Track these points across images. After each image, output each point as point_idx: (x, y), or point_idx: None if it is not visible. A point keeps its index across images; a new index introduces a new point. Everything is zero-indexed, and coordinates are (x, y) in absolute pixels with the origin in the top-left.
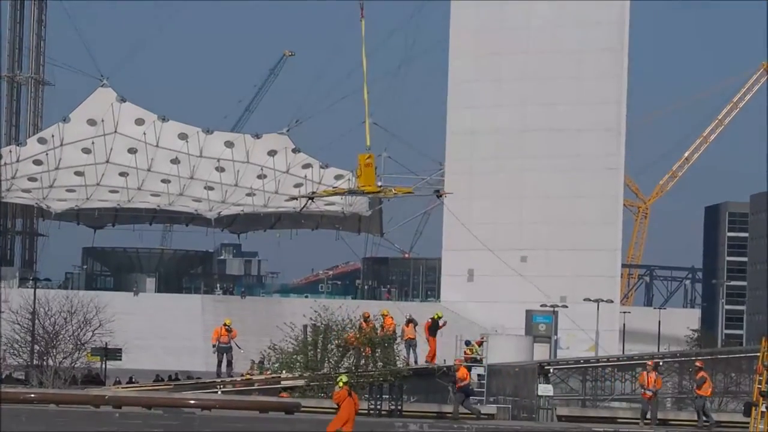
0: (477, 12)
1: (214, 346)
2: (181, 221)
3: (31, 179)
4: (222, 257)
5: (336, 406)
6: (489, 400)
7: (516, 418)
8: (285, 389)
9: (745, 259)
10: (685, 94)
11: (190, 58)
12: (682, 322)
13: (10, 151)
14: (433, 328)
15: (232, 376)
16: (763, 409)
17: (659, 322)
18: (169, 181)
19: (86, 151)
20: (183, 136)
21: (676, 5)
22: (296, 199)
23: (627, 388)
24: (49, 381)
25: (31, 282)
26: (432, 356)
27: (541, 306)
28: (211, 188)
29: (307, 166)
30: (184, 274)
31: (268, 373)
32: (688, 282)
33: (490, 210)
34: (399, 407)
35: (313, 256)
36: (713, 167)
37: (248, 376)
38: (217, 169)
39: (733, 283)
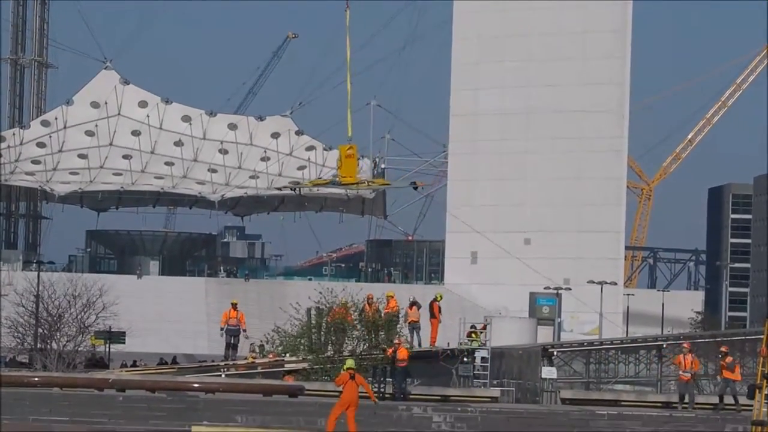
0: None
1: (222, 329)
2: (184, 204)
3: (35, 162)
4: (225, 240)
5: (339, 389)
6: (493, 383)
7: (520, 400)
8: (289, 372)
9: (748, 241)
10: (688, 76)
11: (193, 41)
12: (685, 304)
13: (14, 134)
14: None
15: (234, 360)
16: (767, 392)
17: (663, 304)
18: (172, 164)
19: (89, 133)
20: (186, 119)
21: None
22: (281, 189)
23: (631, 371)
24: (52, 364)
25: (35, 265)
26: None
27: (545, 288)
28: (214, 171)
29: (310, 148)
30: (187, 256)
31: (272, 356)
32: (691, 264)
33: (494, 192)
34: (404, 391)
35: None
36: (716, 149)
37: (252, 360)
38: (220, 151)
39: (736, 265)
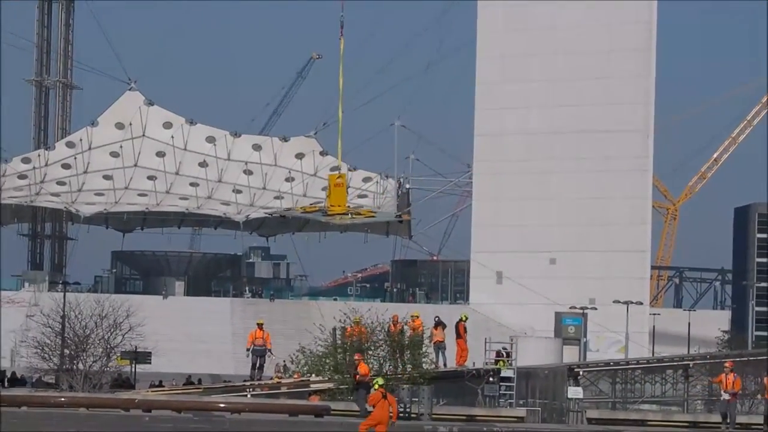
0: (504, 12)
1: (248, 349)
2: (209, 224)
3: (60, 183)
4: (251, 260)
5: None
6: (518, 403)
7: (546, 420)
8: (314, 392)
9: None
10: (713, 95)
11: (217, 61)
12: (712, 323)
13: (39, 156)
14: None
15: (260, 380)
16: None
17: (689, 323)
18: (197, 185)
19: (114, 154)
20: (211, 140)
21: (704, 5)
22: (272, 215)
23: (657, 391)
24: (79, 385)
25: (60, 286)
26: (463, 358)
27: (570, 308)
28: (239, 191)
29: (335, 168)
30: (212, 277)
31: (298, 376)
32: (717, 283)
33: (519, 212)
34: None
35: (342, 259)
36: (742, 168)
37: (277, 380)
38: (245, 172)
39: (763, 284)
